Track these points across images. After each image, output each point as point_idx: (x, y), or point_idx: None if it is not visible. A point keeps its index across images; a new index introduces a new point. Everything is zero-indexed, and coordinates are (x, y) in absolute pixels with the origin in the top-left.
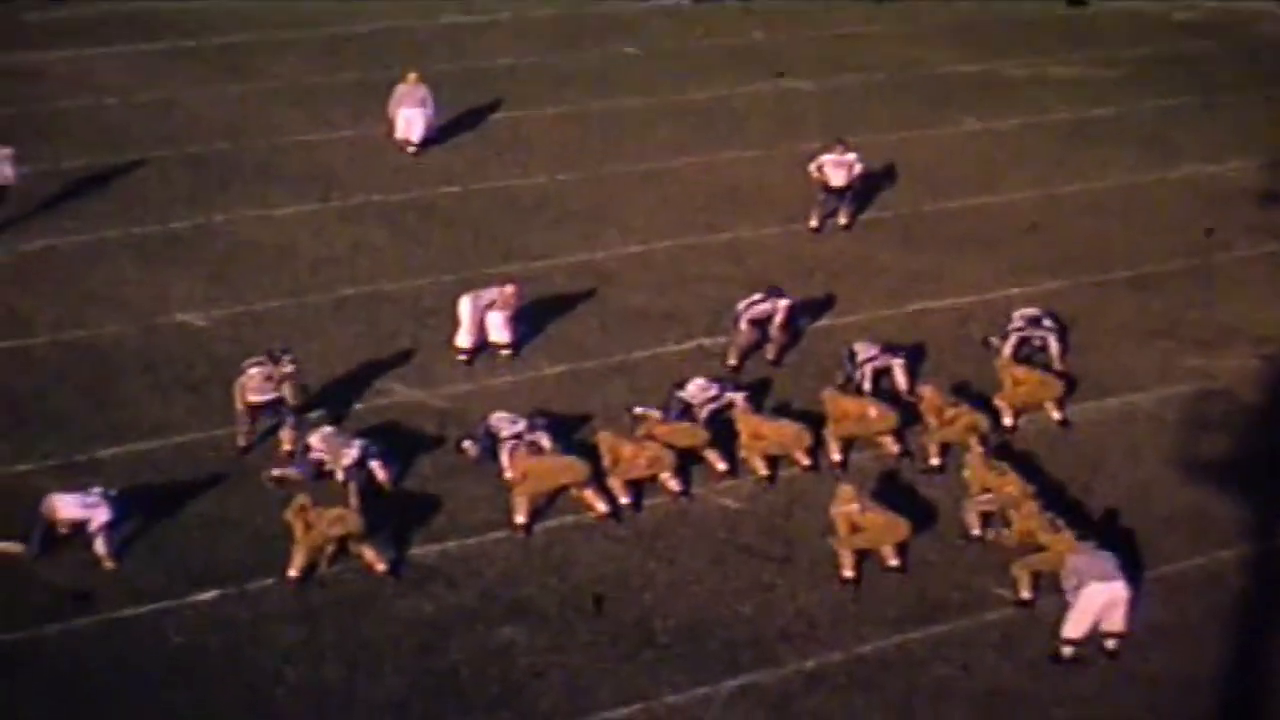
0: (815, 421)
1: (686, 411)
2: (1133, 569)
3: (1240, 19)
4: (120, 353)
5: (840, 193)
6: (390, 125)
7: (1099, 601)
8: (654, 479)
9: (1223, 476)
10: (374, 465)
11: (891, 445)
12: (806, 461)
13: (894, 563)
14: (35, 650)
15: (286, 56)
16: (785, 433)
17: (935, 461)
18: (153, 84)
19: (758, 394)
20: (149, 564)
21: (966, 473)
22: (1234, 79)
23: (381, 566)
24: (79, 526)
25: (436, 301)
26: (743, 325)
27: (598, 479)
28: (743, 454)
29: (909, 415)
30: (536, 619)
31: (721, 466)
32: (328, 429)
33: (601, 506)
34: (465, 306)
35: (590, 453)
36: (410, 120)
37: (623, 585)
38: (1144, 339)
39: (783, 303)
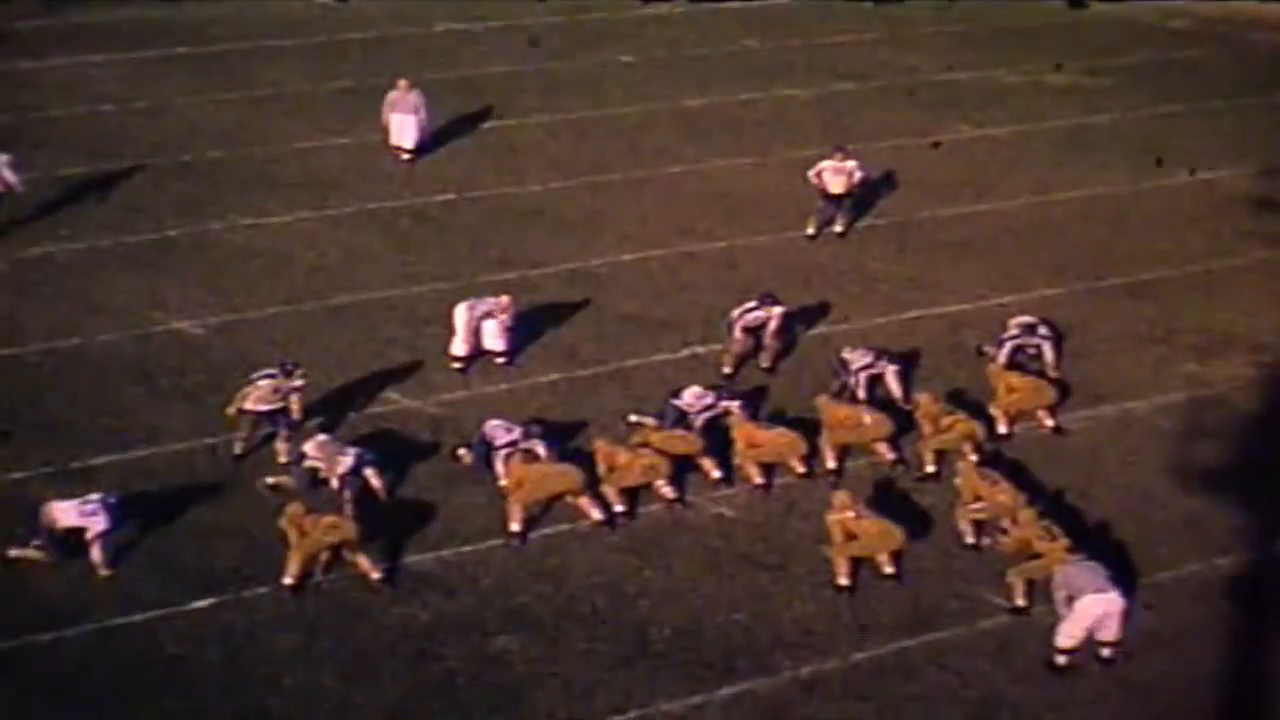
0: (810, 429)
1: (681, 419)
2: (1127, 576)
3: (1235, 26)
4: (115, 360)
5: (838, 200)
6: (385, 133)
7: (1094, 613)
8: (649, 487)
9: (1219, 484)
10: (369, 473)
11: (886, 453)
12: (802, 469)
13: (889, 570)
14: (30, 658)
15: (282, 64)
16: (781, 441)
17: (930, 469)
18: (148, 92)
19: (752, 401)
20: (144, 572)
21: (958, 481)
22: (1229, 86)
23: (377, 574)
24: (77, 533)
25: (432, 309)
26: (737, 333)
27: (593, 487)
28: (738, 461)
29: (904, 423)
30: (532, 626)
31: (716, 475)
32: (322, 437)
33: (596, 514)
34: (461, 315)
35: (586, 460)
36: (403, 126)
37: (618, 593)
38: (1139, 346)
39: (776, 310)
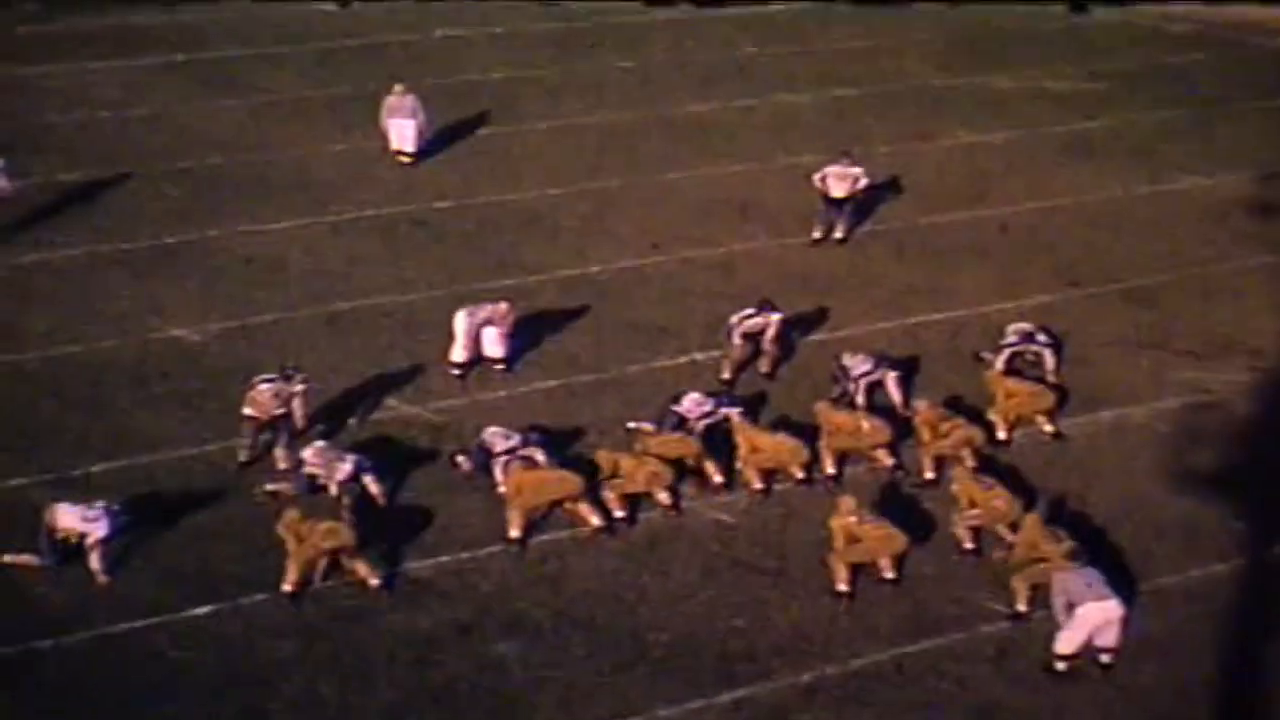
0: (809, 434)
1: (681, 425)
2: (1125, 581)
3: (1233, 30)
4: (113, 367)
5: (840, 204)
6: (385, 139)
7: (1093, 620)
8: (649, 494)
9: (1216, 489)
10: (367, 480)
11: (885, 459)
12: (801, 476)
13: (890, 575)
14: (30, 665)
15: (280, 71)
16: (783, 447)
17: (929, 475)
18: (146, 98)
19: (752, 408)
20: (144, 578)
21: (955, 487)
22: (1226, 91)
23: (375, 581)
24: (77, 539)
25: (430, 316)
26: (736, 339)
27: (593, 492)
28: (739, 465)
29: (903, 429)
30: (531, 633)
31: (718, 479)
32: (321, 443)
33: (595, 520)
34: (460, 321)
35: (585, 467)
36: (403, 131)
37: (617, 599)
38: (1137, 351)
39: (775, 316)
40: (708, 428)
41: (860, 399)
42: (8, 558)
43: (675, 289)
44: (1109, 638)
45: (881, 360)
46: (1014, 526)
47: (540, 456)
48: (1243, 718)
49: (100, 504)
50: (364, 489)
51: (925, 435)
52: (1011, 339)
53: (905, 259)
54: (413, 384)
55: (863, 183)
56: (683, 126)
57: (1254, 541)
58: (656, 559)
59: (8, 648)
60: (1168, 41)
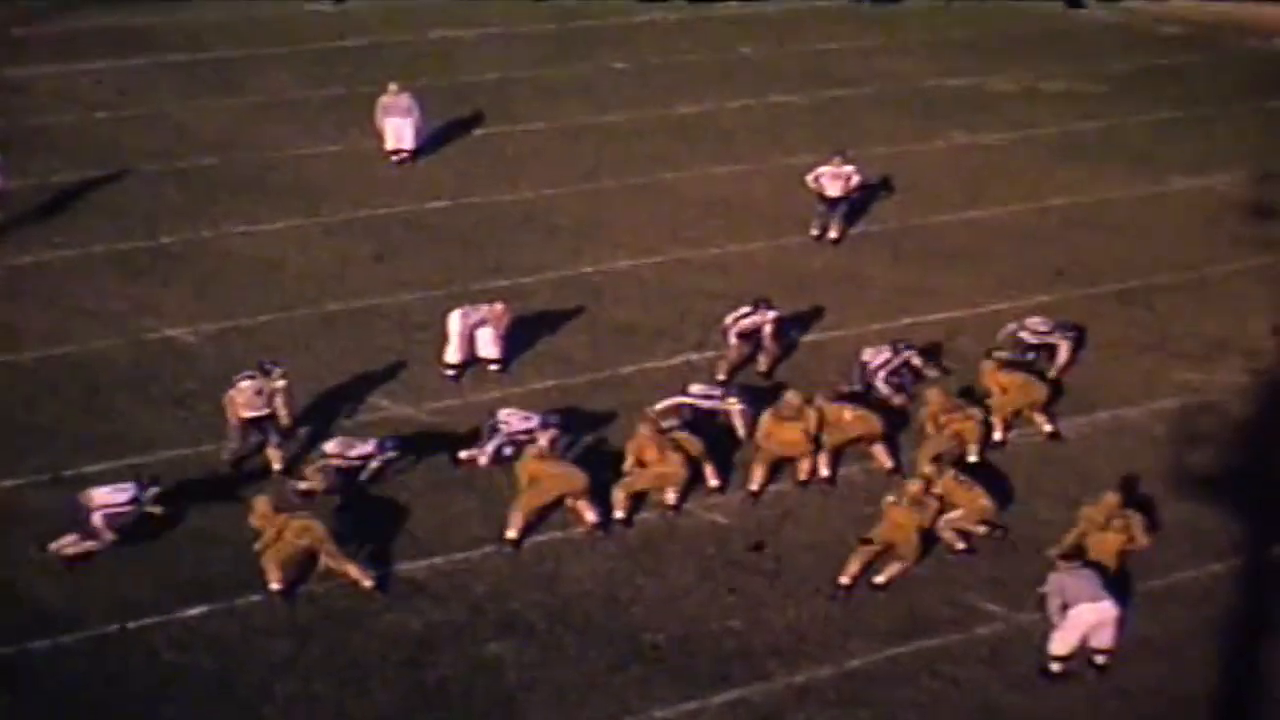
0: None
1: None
2: (1120, 583)
3: (1229, 31)
4: (108, 367)
5: (834, 204)
6: (381, 139)
7: (1087, 621)
8: (649, 494)
9: (1213, 490)
10: (389, 455)
11: (885, 460)
12: (887, 460)
13: (882, 580)
14: (24, 666)
15: (275, 71)
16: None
17: (928, 470)
18: (140, 98)
19: (753, 408)
20: (139, 579)
21: (938, 490)
22: (1222, 92)
23: (369, 582)
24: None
25: (424, 316)
26: (732, 338)
27: (594, 492)
28: (757, 442)
29: (896, 421)
30: (525, 633)
31: (715, 483)
32: (340, 438)
33: (591, 517)
34: (455, 322)
35: (601, 459)
36: (399, 130)
37: (612, 600)
38: (1133, 352)
39: (770, 314)
40: (710, 416)
41: (883, 388)
42: (68, 549)
43: (670, 289)
44: (1104, 639)
45: (899, 346)
46: (991, 524)
47: (549, 441)
48: (1239, 719)
49: (134, 480)
50: (381, 469)
51: (929, 428)
52: (1019, 332)
53: (900, 260)
54: (406, 384)
55: (855, 181)
56: (678, 127)
57: (1251, 542)
58: (652, 560)
59: (3, 648)
60: (1163, 43)
